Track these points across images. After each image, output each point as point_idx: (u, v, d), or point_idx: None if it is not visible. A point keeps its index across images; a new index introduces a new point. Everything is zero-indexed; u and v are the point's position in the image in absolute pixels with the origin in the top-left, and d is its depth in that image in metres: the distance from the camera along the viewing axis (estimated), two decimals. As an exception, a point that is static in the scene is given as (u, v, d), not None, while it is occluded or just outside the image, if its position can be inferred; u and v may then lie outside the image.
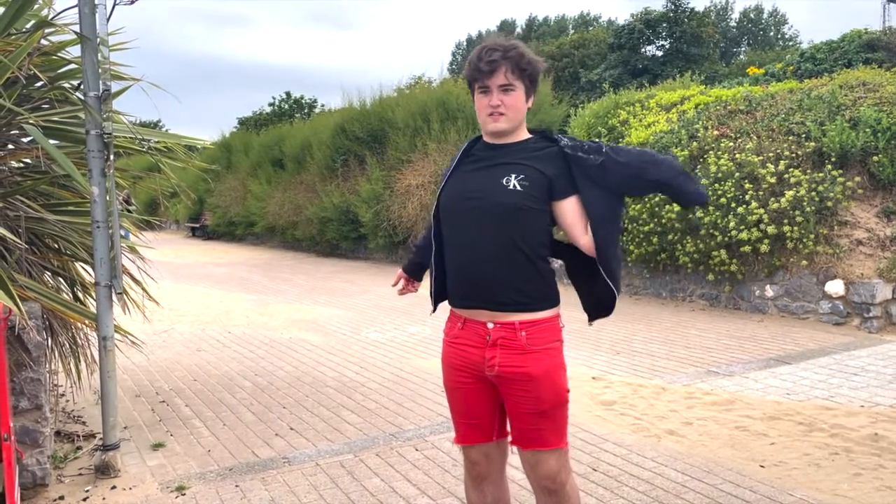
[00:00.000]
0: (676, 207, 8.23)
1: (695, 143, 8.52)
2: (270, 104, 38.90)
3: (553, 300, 2.27)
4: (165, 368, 5.98)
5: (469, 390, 2.30)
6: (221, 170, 20.98)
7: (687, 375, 5.37)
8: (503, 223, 2.15)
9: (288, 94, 39.10)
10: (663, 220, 8.46)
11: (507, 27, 59.23)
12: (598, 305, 2.35)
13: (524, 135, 2.27)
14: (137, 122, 4.82)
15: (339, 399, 4.97)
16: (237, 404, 4.91)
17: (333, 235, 15.86)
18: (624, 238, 9.09)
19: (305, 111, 37.49)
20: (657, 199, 8.53)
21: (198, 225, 24.63)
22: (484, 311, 2.22)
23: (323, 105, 38.82)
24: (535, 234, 2.19)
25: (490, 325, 2.21)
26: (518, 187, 2.15)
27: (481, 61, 2.18)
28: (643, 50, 29.52)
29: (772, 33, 50.81)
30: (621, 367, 5.66)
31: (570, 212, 2.20)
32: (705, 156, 8.33)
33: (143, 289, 4.49)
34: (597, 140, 2.15)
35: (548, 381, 2.22)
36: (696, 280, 8.58)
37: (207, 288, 11.31)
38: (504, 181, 2.16)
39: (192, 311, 8.98)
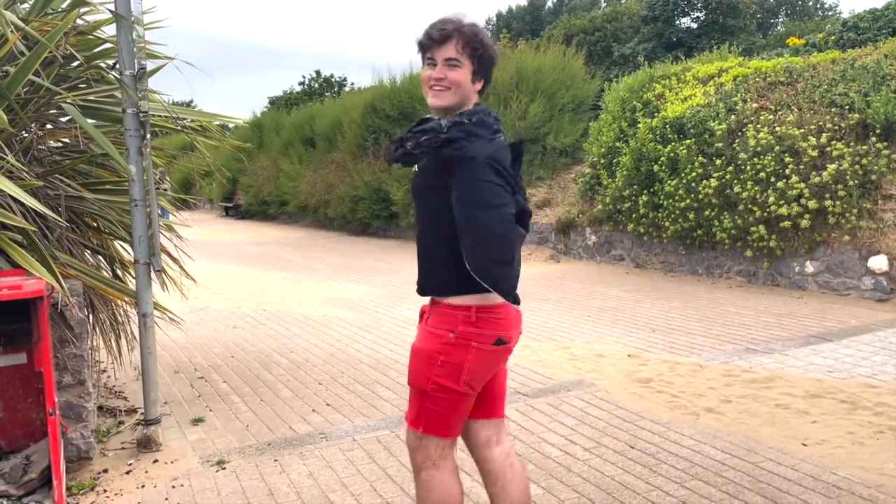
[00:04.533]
0: (713, 183, 8.09)
1: (733, 117, 8.33)
2: (300, 83, 38.95)
3: (456, 288, 2.10)
4: (203, 345, 6.07)
5: None
6: (254, 149, 21.15)
7: (725, 353, 5.29)
8: (417, 206, 2.22)
9: (318, 72, 39.09)
10: (700, 196, 8.31)
11: (537, 2, 58.36)
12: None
13: (463, 109, 2.17)
14: (171, 101, 4.84)
15: (374, 376, 5.00)
16: (274, 380, 4.97)
17: (365, 214, 15.92)
18: (659, 214, 8.96)
19: (335, 90, 37.43)
20: (693, 174, 8.38)
21: (231, 204, 24.87)
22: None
23: (353, 83, 38.79)
24: (441, 214, 2.08)
25: (427, 300, 2.29)
26: (418, 168, 2.17)
27: (433, 28, 2.11)
28: (678, 22, 28.85)
29: (811, 3, 49.29)
30: (657, 345, 5.60)
31: None
32: (744, 129, 8.14)
33: (181, 266, 4.55)
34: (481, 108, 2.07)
35: (414, 360, 2.19)
36: (734, 256, 8.44)
37: (242, 266, 11.44)
38: (416, 165, 2.19)
39: (227, 288, 9.10)
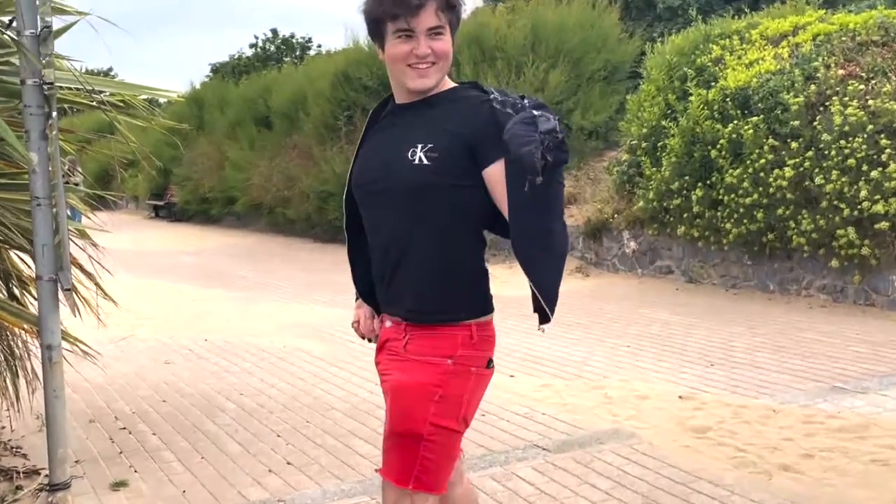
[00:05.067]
0: (787, 172, 8.12)
1: (813, 87, 8.37)
2: (252, 45, 39.08)
3: (472, 309, 2.27)
4: (126, 386, 6.07)
5: None
6: (191, 131, 21.15)
7: (805, 393, 5.31)
8: (411, 207, 2.20)
9: (274, 32, 39.21)
10: (771, 190, 8.34)
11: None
12: (534, 301, 2.24)
13: (445, 87, 2.27)
14: (84, 70, 4.86)
15: (349, 425, 5.00)
16: (218, 432, 4.96)
17: (336, 215, 15.93)
18: (718, 213, 8.98)
19: (297, 54, 37.54)
20: (762, 161, 8.41)
21: (162, 203, 24.91)
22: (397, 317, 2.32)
23: (320, 46, 38.84)
24: (457, 219, 2.21)
25: (388, 324, 2.36)
26: (425, 160, 2.17)
27: None
28: (741, -35, 28.97)
29: (913, -61, 49.56)
30: (717, 383, 5.62)
31: (497, 181, 2.14)
32: (827, 103, 8.18)
33: (97, 284, 4.54)
34: (541, 102, 2.14)
35: (401, 400, 2.25)
36: (815, 267, 8.46)
37: (176, 283, 11.46)
38: (409, 154, 2.19)
39: (157, 312, 9.10)
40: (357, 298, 2.57)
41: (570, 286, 9.97)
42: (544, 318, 2.22)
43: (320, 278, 11.63)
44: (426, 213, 2.20)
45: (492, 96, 2.18)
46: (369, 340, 2.54)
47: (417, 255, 2.23)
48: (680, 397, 5.32)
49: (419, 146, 2.18)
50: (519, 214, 2.08)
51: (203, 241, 18.15)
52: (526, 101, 2.14)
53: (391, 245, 2.27)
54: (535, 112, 2.05)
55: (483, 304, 2.29)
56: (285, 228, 18.52)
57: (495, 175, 2.14)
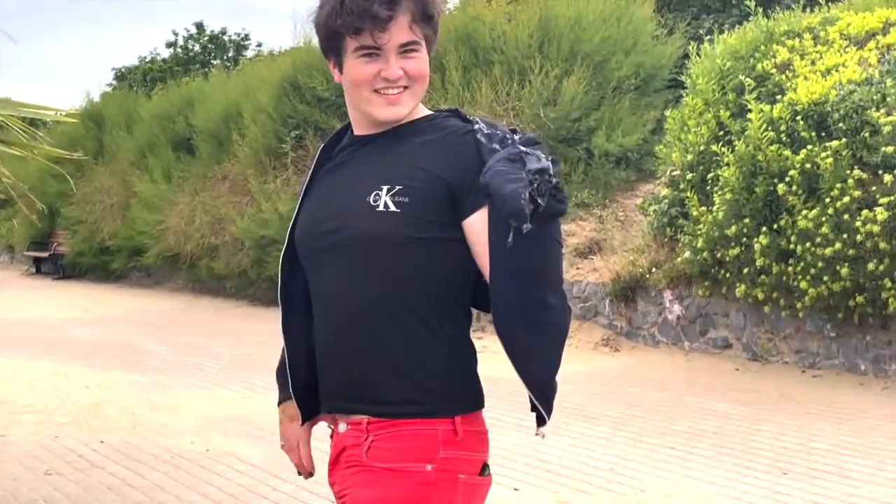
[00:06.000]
0: (880, 214, 8.16)
1: (911, 101, 8.45)
2: (170, 44, 39.46)
3: (456, 398, 2.27)
4: (-9, 505, 5.98)
5: None
6: (87, 159, 21.17)
7: (911, 511, 5.29)
8: (372, 268, 2.21)
9: (199, 25, 39.61)
10: (858, 237, 8.36)
11: None
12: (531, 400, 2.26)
13: (417, 115, 2.33)
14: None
15: (296, 557, 4.94)
16: (116, 567, 4.89)
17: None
18: (790, 268, 8.99)
19: (230, 55, 37.89)
20: (846, 199, 8.44)
21: (46, 255, 24.80)
22: (359, 414, 2.28)
23: (260, 45, 39.24)
24: (433, 284, 2.23)
25: (342, 428, 2.33)
26: (391, 206, 2.18)
27: (372, 1, 2.13)
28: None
29: None
30: (792, 498, 5.59)
31: (477, 234, 2.18)
32: (930, 122, 8.25)
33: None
34: (534, 138, 2.20)
35: None
36: (920, 341, 8.47)
37: (64, 364, 11.36)
38: (371, 198, 2.20)
39: (37, 404, 9.02)
40: (282, 401, 2.58)
41: (595, 365, 9.94)
42: (541, 420, 2.25)
43: (258, 355, 11.53)
44: (393, 277, 2.20)
45: (476, 126, 2.21)
46: (299, 473, 2.54)
47: (382, 332, 2.22)
48: (743, 517, 5.28)
49: (384, 188, 2.19)
50: (501, 279, 2.11)
51: (101, 305, 18.05)
52: (517, 135, 2.18)
53: (347, 318, 2.25)
54: (524, 148, 2.08)
55: (470, 392, 2.29)
56: (212, 287, 18.48)
57: (476, 226, 2.15)
